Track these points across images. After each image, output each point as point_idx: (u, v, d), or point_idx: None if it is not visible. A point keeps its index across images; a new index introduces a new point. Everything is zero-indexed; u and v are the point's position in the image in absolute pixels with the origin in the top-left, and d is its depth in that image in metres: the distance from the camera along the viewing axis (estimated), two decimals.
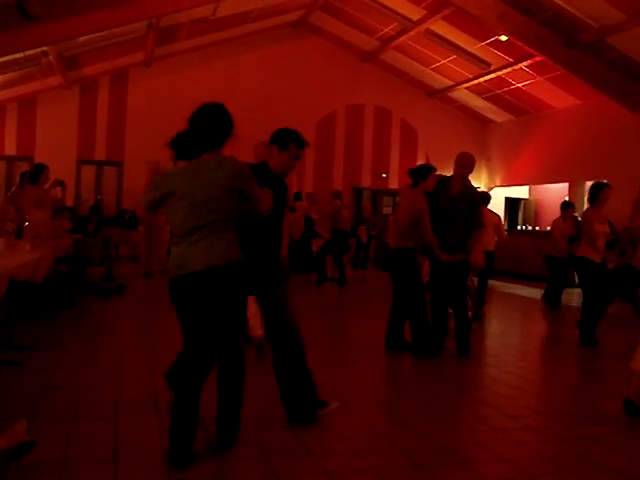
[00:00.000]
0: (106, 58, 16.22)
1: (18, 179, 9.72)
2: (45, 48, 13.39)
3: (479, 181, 19.65)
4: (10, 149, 17.33)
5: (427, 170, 7.22)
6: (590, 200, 8.30)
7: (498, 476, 3.78)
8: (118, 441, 3.97)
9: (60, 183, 9.53)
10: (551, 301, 11.59)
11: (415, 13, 15.58)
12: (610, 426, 4.91)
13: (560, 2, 12.81)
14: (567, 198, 14.66)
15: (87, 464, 3.61)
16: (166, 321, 9.24)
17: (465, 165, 7.07)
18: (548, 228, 13.27)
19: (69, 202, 15.37)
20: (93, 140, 17.79)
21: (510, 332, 9.61)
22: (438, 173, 7.12)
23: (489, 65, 16.71)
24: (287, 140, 4.77)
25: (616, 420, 5.07)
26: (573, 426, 4.87)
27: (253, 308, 6.53)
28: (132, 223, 15.65)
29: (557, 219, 11.73)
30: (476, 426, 4.79)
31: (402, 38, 16.91)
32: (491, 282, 15.06)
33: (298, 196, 15.10)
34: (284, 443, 4.11)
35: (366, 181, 19.83)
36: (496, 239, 14.71)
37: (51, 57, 14.16)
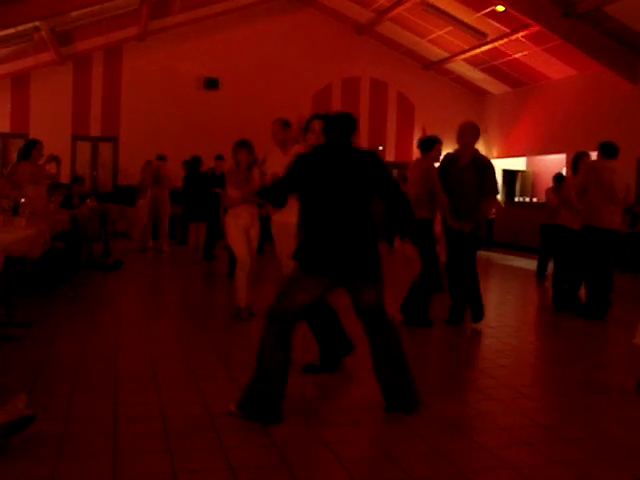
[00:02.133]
0: (99, 33, 16.07)
1: (15, 156, 9.69)
2: (37, 23, 13.26)
3: None
4: (4, 126, 17.20)
5: (432, 142, 7.24)
6: (573, 170, 8.42)
7: (497, 444, 3.79)
8: (118, 414, 3.97)
9: (55, 158, 9.45)
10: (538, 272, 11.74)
11: None
12: (609, 395, 4.93)
13: None
14: (564, 170, 14.62)
15: (87, 437, 3.62)
16: (163, 296, 9.27)
17: (463, 134, 6.95)
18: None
19: (65, 179, 15.29)
20: (88, 116, 17.67)
21: (508, 303, 9.63)
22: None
23: (485, 36, 16.56)
24: None
25: (615, 389, 5.10)
26: (572, 395, 4.89)
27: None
28: (128, 199, 15.65)
29: (549, 189, 11.70)
30: (476, 396, 4.81)
31: (398, 9, 16.73)
32: (489, 254, 15.14)
33: None
34: (283, 413, 4.11)
35: None
36: (494, 210, 14.72)
37: (43, 32, 14.02)
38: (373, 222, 4.13)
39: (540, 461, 3.58)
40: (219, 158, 12.44)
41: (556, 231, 8.98)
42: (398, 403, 4.19)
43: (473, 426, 4.17)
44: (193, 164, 12.78)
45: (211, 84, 18.10)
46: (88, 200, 11.44)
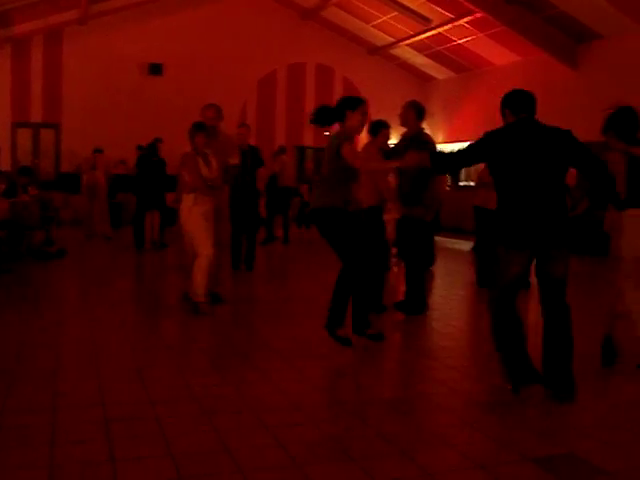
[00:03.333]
0: (39, 16, 15.67)
1: None
2: None
3: None
4: None
5: (377, 126, 6.99)
6: None
7: (437, 425, 3.85)
8: (57, 404, 3.91)
9: None
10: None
11: None
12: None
13: None
14: None
15: (25, 428, 3.56)
16: (107, 284, 9.14)
17: (401, 114, 6.87)
18: None
19: (5, 166, 14.95)
20: (28, 102, 17.25)
21: (451, 286, 9.74)
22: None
23: (430, 21, 16.66)
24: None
25: None
26: None
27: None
28: (71, 186, 15.39)
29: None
30: (417, 377, 4.87)
31: None
32: (436, 238, 15.29)
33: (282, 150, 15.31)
34: (224, 399, 4.11)
35: (308, 139, 19.71)
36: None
37: None
38: (565, 195, 4.42)
39: (480, 438, 3.65)
40: (157, 141, 12.31)
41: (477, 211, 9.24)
42: (559, 387, 4.23)
43: (414, 407, 4.22)
44: (149, 149, 12.45)
45: (155, 69, 17.85)
46: (29, 188, 11.21)
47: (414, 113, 6.81)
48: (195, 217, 6.55)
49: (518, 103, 4.54)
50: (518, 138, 4.34)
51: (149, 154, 12.40)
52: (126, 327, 6.14)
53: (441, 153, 5.10)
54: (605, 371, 5.03)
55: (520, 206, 4.25)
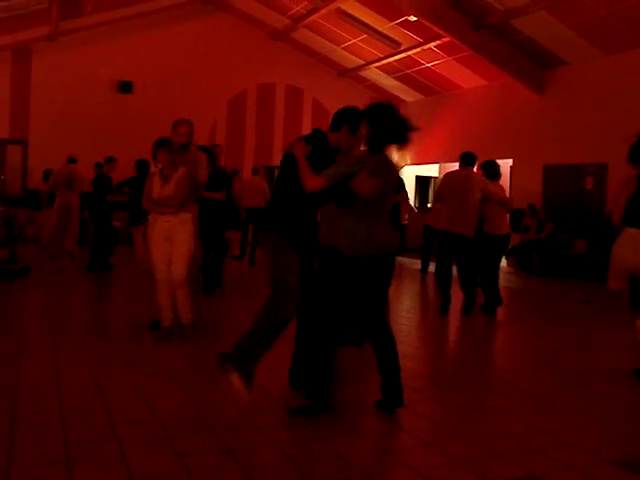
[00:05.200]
0: (7, 31, 15.57)
1: None
2: None
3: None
4: None
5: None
6: None
7: (399, 447, 3.88)
8: (15, 425, 3.87)
9: None
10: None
11: None
12: (506, 394, 5.09)
13: None
14: None
15: None
16: (70, 303, 9.06)
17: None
18: None
19: None
20: None
21: (417, 307, 9.81)
22: None
23: (399, 45, 16.87)
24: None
25: (513, 389, 5.28)
26: (472, 395, 5.02)
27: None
28: (37, 203, 15.20)
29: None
30: (378, 398, 4.88)
31: (313, 17, 16.85)
32: (401, 259, 15.38)
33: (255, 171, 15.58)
34: (187, 421, 4.09)
35: (277, 159, 19.68)
36: (406, 215, 15.09)
37: None
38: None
39: (439, 461, 3.67)
40: (108, 160, 12.32)
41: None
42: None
43: (375, 429, 4.24)
44: (142, 166, 12.32)
45: (125, 88, 17.82)
46: None
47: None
48: (149, 237, 6.40)
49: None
50: None
51: (141, 172, 12.34)
52: (89, 348, 6.08)
53: None
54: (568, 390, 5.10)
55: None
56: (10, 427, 3.84)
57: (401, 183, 11.25)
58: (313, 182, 4.18)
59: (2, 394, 4.46)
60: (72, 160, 13.62)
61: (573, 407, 4.84)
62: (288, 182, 4.44)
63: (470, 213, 8.14)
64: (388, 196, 4.45)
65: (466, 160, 8.48)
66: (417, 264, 15.11)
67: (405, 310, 9.34)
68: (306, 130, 19.69)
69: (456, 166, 8.75)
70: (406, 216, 16.50)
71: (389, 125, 4.39)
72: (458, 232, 8.13)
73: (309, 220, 4.54)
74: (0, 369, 5.16)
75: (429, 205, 18.59)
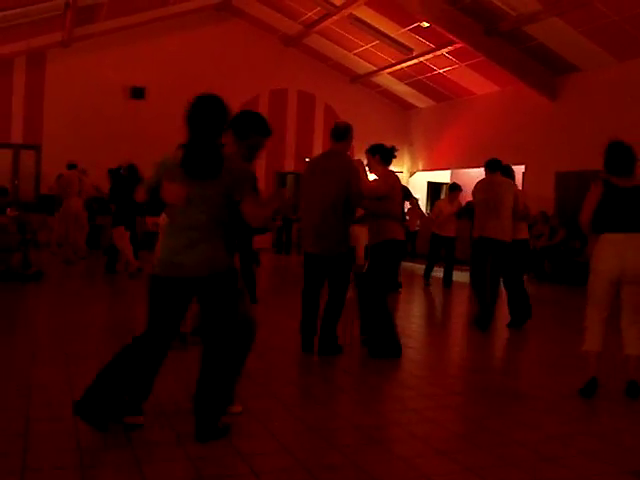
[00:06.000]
0: (21, 37, 15.68)
1: None
2: None
3: (401, 166, 19.89)
4: None
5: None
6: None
7: (412, 454, 3.86)
8: (30, 430, 3.88)
9: None
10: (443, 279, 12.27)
11: None
12: (521, 403, 5.07)
13: None
14: None
15: None
16: (83, 307, 9.09)
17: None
18: None
19: None
20: (9, 123, 17.21)
21: (429, 314, 9.79)
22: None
23: (411, 51, 16.89)
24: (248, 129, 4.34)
25: (524, 396, 5.25)
26: (485, 404, 5.01)
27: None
28: (50, 208, 15.29)
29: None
30: (392, 406, 4.89)
31: (325, 23, 16.91)
32: (412, 265, 15.37)
33: None
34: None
35: (290, 165, 19.82)
36: (418, 221, 15.14)
37: None
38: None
39: (454, 469, 3.66)
40: (130, 168, 12.35)
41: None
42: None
43: (388, 436, 4.23)
44: (131, 170, 12.42)
45: (137, 93, 17.91)
46: (8, 210, 11.16)
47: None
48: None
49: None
50: None
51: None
52: (101, 352, 6.09)
53: None
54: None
55: None
56: (25, 431, 3.86)
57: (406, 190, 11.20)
58: None
59: (16, 399, 4.48)
60: (72, 166, 13.71)
61: (587, 415, 4.82)
62: None
63: (504, 218, 8.00)
64: None
65: (492, 166, 8.34)
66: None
67: (416, 317, 9.33)
68: (318, 136, 19.78)
69: (468, 172, 8.68)
70: (417, 222, 16.54)
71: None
72: (494, 237, 7.97)
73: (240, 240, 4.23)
74: (14, 373, 5.17)
75: (427, 212, 18.36)
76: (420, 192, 19.65)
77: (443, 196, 20.19)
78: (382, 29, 16.43)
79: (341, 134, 6.22)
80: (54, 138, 17.06)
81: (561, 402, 5.07)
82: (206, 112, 3.88)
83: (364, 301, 6.56)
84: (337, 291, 6.17)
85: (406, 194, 11.06)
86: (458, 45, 15.26)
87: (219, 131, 3.90)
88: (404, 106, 20.88)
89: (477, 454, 3.90)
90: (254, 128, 4.35)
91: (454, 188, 12.63)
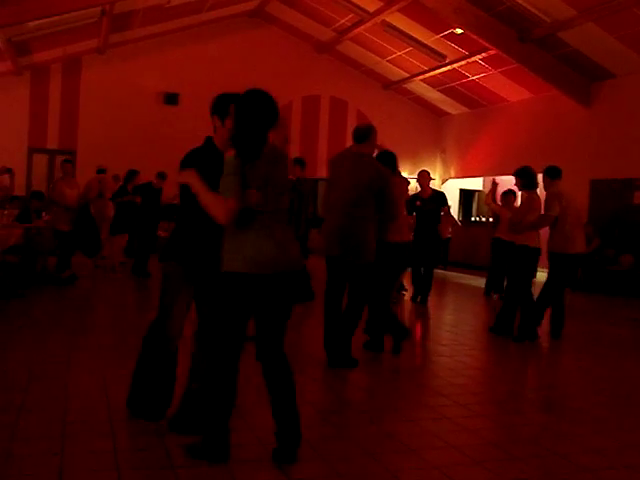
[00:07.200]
0: (58, 44, 15.90)
1: None
2: None
3: (434, 173, 19.81)
4: None
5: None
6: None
7: (447, 462, 3.83)
8: (65, 437, 3.92)
9: (8, 170, 9.35)
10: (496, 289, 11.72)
11: (371, 4, 15.58)
12: (557, 413, 5.01)
13: None
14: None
15: (35, 458, 3.57)
16: (116, 311, 9.17)
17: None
18: None
19: (20, 191, 15.06)
20: (45, 128, 17.47)
21: (463, 321, 9.72)
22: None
23: (444, 57, 16.83)
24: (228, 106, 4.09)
25: (562, 407, 5.19)
26: (521, 413, 4.96)
27: None
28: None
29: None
30: (427, 414, 4.84)
31: (358, 29, 16.91)
32: (444, 272, 15.30)
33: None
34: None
35: (322, 172, 19.78)
36: (450, 229, 14.99)
37: (0, 42, 13.84)
38: None
39: (488, 478, 3.62)
40: (161, 176, 12.53)
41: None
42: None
43: (423, 444, 4.19)
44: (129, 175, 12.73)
45: (171, 99, 18.06)
46: (44, 213, 11.29)
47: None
48: None
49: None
50: None
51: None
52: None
53: None
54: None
55: None
56: (61, 434, 3.89)
57: (443, 196, 11.10)
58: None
59: (53, 402, 4.53)
60: (101, 171, 13.87)
61: (628, 427, 4.74)
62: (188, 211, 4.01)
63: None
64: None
65: (554, 173, 8.20)
66: (464, 278, 15.03)
67: (459, 325, 9.27)
68: (350, 142, 19.64)
69: (499, 179, 8.49)
70: (450, 229, 16.44)
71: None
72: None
73: (211, 249, 3.83)
74: (50, 377, 5.23)
75: (458, 220, 18.13)
76: (452, 199, 19.55)
77: (475, 203, 20.11)
78: (415, 36, 16.39)
79: (362, 135, 6.18)
80: (89, 143, 17.26)
81: (604, 414, 5.00)
82: (261, 106, 3.83)
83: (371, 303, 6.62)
84: (356, 301, 6.02)
85: (442, 200, 10.96)
86: (491, 52, 15.17)
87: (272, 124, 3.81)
88: (437, 113, 20.80)
89: (514, 465, 3.85)
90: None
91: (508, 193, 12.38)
